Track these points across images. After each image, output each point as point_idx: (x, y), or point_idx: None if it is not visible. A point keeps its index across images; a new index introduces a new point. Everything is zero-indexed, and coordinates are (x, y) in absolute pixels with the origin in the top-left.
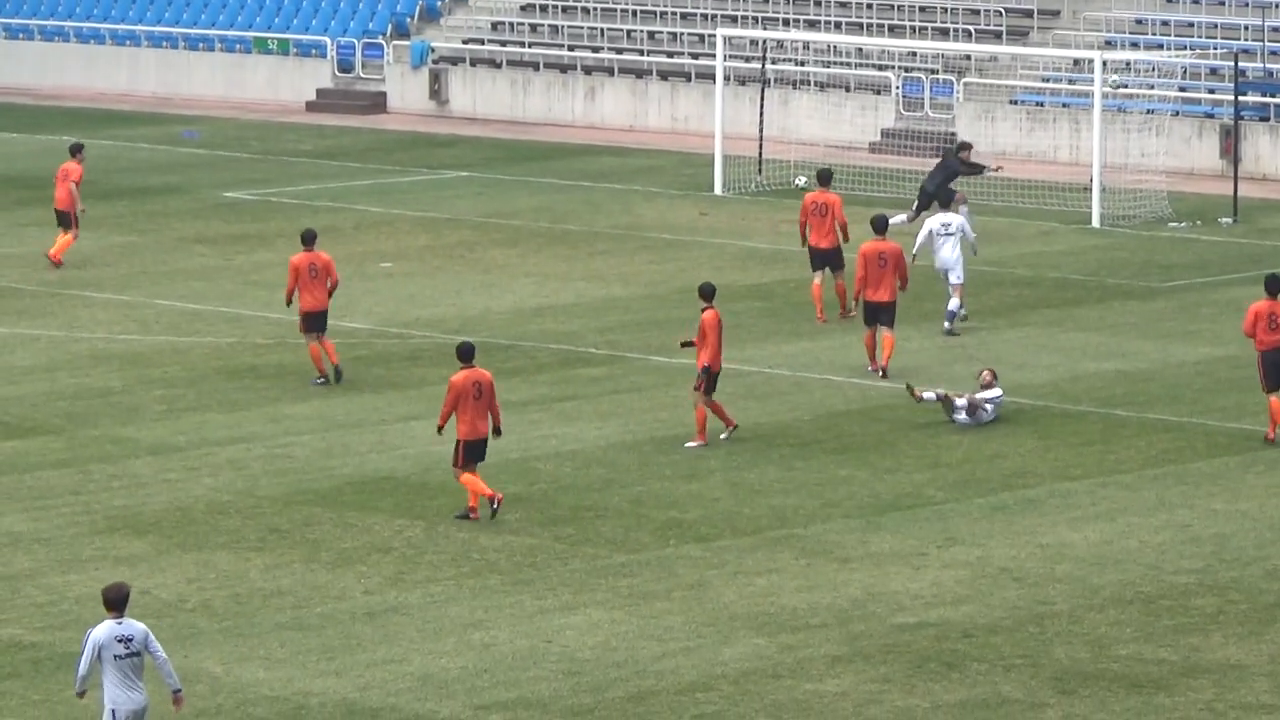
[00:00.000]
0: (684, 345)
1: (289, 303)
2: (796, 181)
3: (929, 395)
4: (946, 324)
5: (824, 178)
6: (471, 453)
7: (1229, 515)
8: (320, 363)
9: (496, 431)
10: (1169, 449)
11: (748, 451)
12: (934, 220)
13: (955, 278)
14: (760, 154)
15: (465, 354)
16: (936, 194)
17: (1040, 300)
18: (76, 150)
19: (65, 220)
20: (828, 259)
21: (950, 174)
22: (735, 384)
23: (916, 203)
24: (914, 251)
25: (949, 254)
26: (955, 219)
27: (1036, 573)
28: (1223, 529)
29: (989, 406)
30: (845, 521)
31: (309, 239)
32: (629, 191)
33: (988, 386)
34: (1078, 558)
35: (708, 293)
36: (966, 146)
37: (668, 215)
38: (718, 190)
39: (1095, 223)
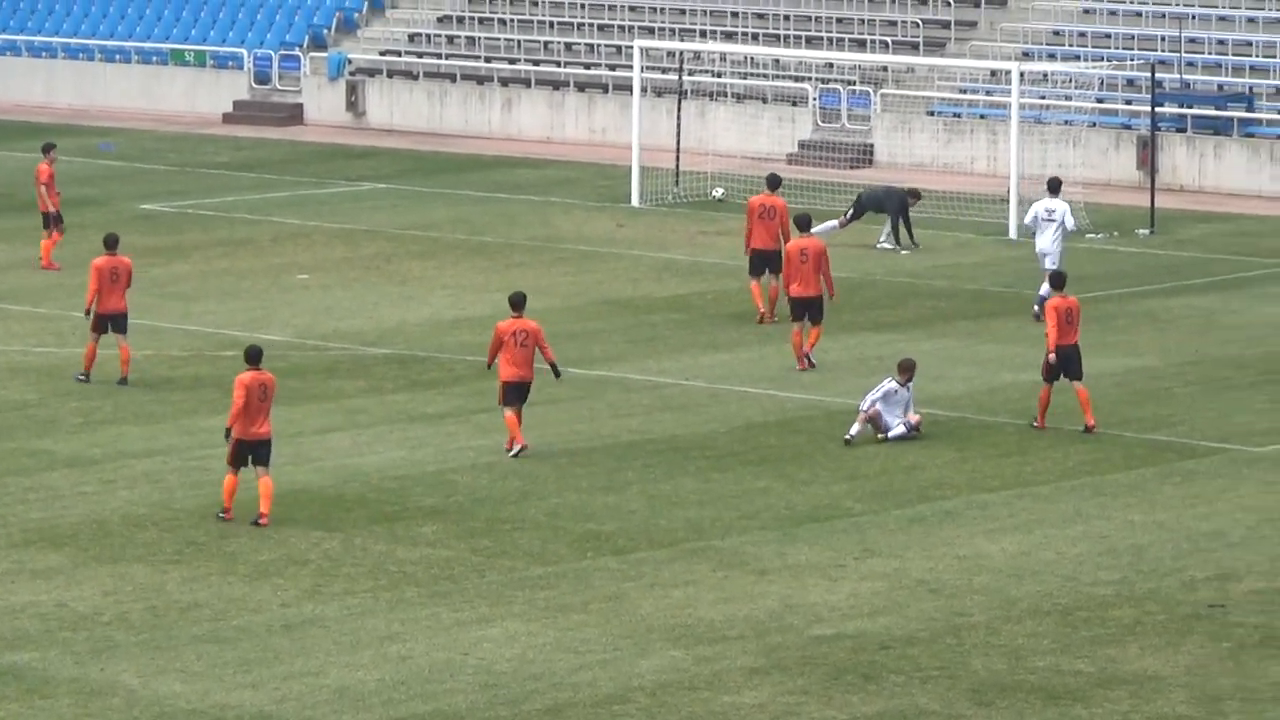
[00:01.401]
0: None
1: (89, 308)
2: (714, 193)
3: (855, 430)
4: (1036, 307)
5: (773, 182)
6: (247, 452)
7: (1146, 526)
8: (90, 362)
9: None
10: (1086, 460)
11: (664, 463)
12: (1039, 205)
13: (1050, 263)
14: (677, 166)
15: (253, 356)
16: (867, 209)
17: (957, 312)
18: (47, 150)
19: (46, 222)
20: (769, 262)
21: (890, 204)
22: (651, 396)
23: (850, 210)
24: (1024, 230)
25: (1048, 240)
26: (1060, 205)
27: (954, 584)
28: (1139, 540)
29: (892, 411)
30: (762, 533)
31: (111, 243)
32: (546, 203)
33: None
34: (995, 569)
35: (517, 302)
36: (916, 195)
37: (585, 227)
38: (635, 202)
39: (1012, 234)
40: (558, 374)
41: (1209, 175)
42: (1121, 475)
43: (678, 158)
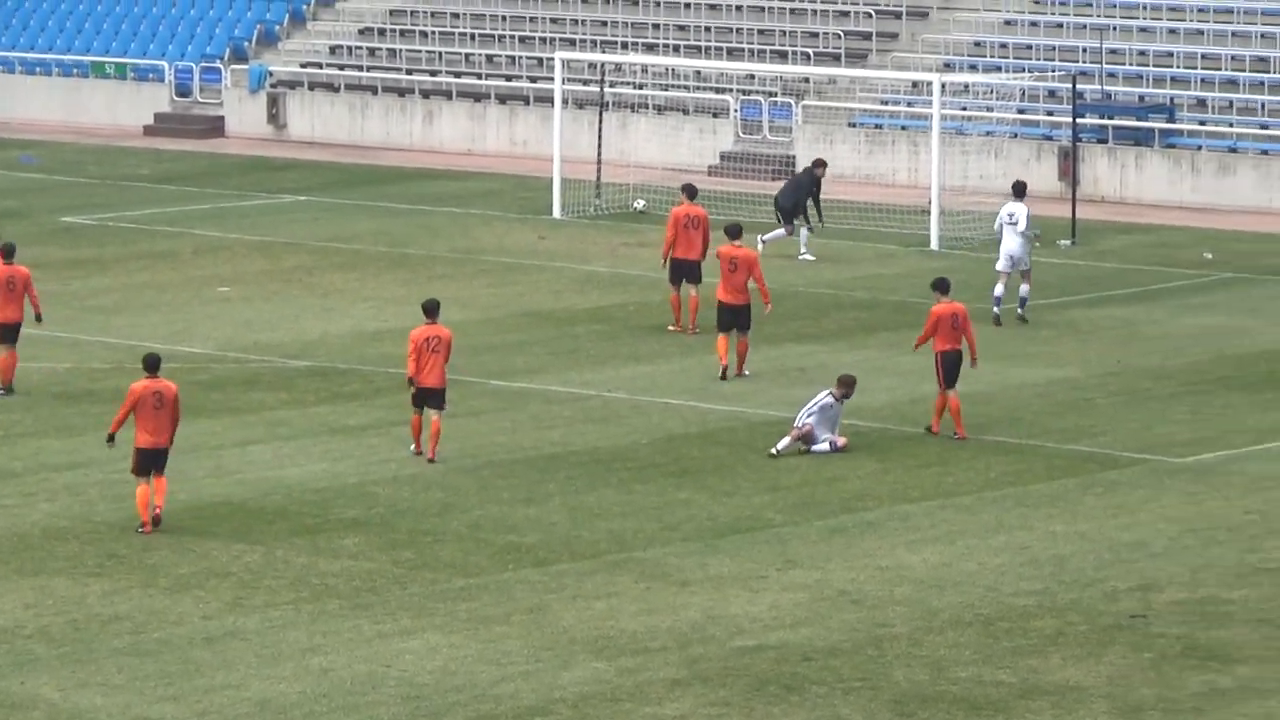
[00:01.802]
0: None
1: None
2: (635, 205)
3: (783, 444)
4: (1020, 309)
5: (690, 191)
6: (149, 461)
7: (1068, 537)
8: (8, 374)
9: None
10: (1008, 471)
11: (586, 475)
12: (1003, 209)
13: (1022, 265)
14: (598, 177)
15: (150, 365)
16: (795, 210)
17: (879, 323)
18: None
19: None
20: (688, 272)
21: (803, 191)
22: (573, 408)
23: (779, 217)
24: (997, 230)
25: (1014, 244)
26: (1021, 209)
27: (875, 595)
28: (1061, 550)
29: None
30: (684, 545)
31: (8, 252)
32: (467, 215)
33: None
34: (917, 580)
35: (430, 309)
36: (822, 164)
37: (506, 239)
38: (556, 214)
39: (934, 245)
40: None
41: (1130, 186)
42: (1044, 486)
43: (599, 169)
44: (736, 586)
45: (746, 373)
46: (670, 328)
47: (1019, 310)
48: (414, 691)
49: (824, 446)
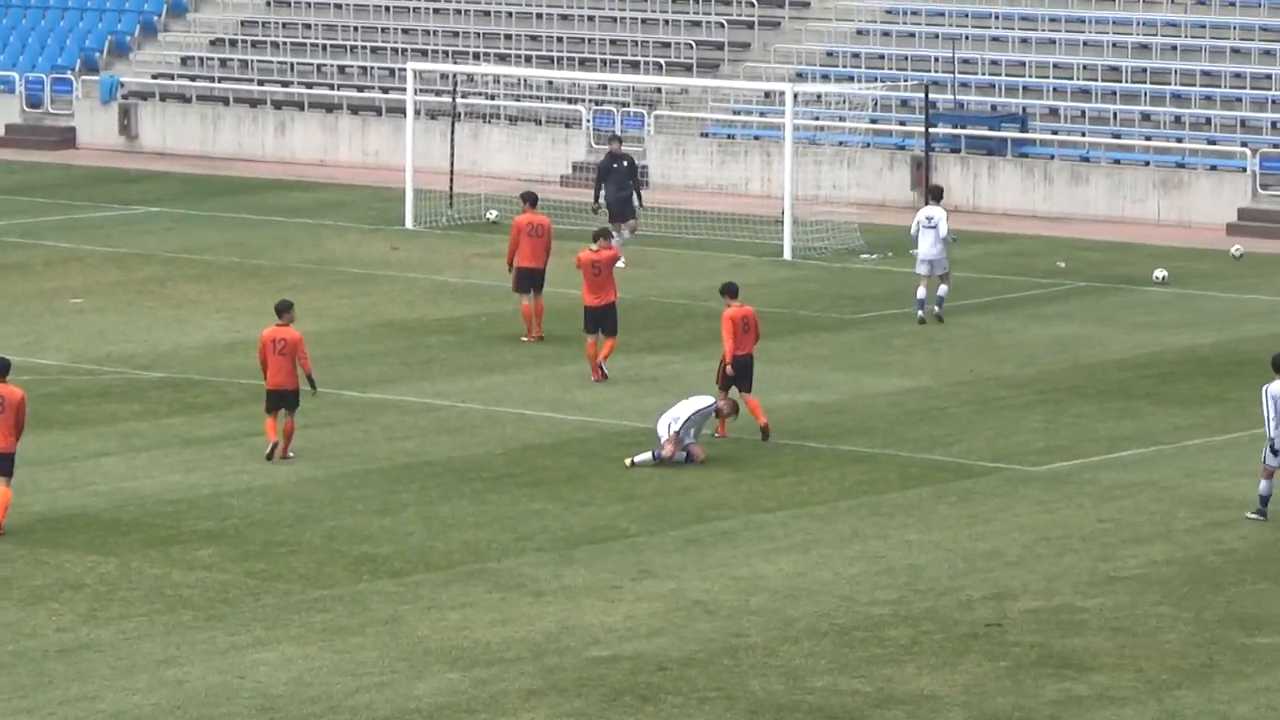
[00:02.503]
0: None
1: None
2: (488, 215)
3: (643, 458)
4: (937, 308)
5: (531, 199)
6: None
7: (922, 546)
8: None
9: None
10: (862, 480)
11: (440, 486)
12: (921, 213)
13: (939, 269)
14: (451, 188)
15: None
16: (625, 200)
17: None
18: None
19: None
20: (534, 280)
21: (620, 177)
22: (427, 419)
23: (608, 216)
24: (912, 239)
25: (929, 247)
26: (939, 213)
27: (731, 605)
28: (916, 560)
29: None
30: (539, 555)
31: None
32: (320, 226)
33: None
34: (772, 589)
35: (281, 309)
36: (617, 139)
37: (359, 250)
38: (409, 224)
39: (787, 255)
40: (313, 388)
41: (983, 195)
42: (898, 495)
43: (451, 180)
44: (591, 597)
45: (605, 373)
46: (524, 339)
47: (935, 309)
48: (268, 703)
49: (680, 455)
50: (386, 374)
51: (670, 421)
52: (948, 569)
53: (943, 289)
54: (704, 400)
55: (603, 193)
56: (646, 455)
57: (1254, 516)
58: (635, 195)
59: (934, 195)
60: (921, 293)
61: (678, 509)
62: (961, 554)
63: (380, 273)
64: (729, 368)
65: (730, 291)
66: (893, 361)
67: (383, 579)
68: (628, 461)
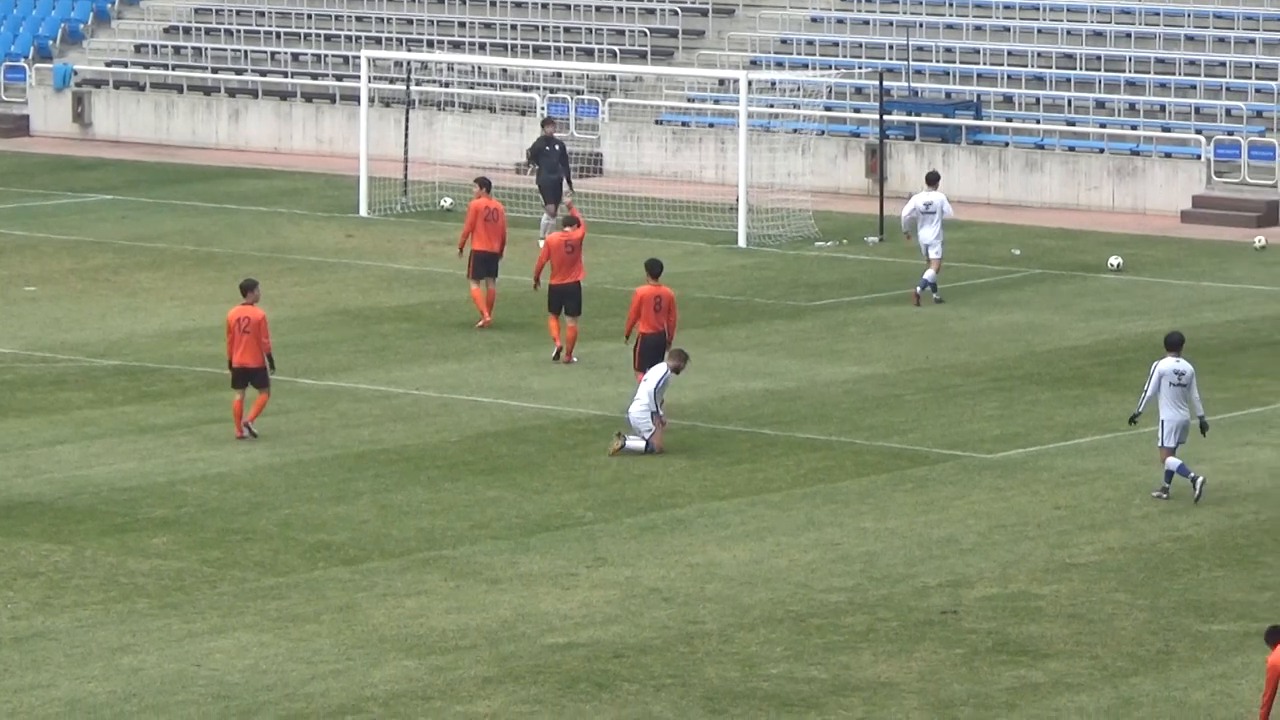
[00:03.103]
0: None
1: None
2: (442, 203)
3: (634, 444)
4: (919, 289)
5: (485, 184)
6: None
7: (878, 533)
8: None
9: None
10: (818, 468)
11: (395, 473)
12: (918, 198)
13: (935, 253)
14: (405, 176)
15: None
16: (556, 184)
17: (687, 320)
18: None
19: None
20: (489, 265)
21: (552, 160)
22: (382, 406)
23: (542, 199)
24: (904, 230)
25: (930, 233)
26: (937, 197)
27: (686, 592)
28: (872, 547)
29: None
30: (494, 543)
31: None
32: (274, 214)
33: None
34: (727, 577)
35: (245, 287)
36: (550, 121)
37: (313, 237)
38: (363, 212)
39: (742, 242)
40: (271, 367)
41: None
42: (853, 483)
43: (405, 168)
44: (547, 584)
45: (574, 359)
46: (479, 325)
47: (929, 290)
48: (224, 690)
49: (639, 444)
50: (341, 362)
51: (644, 408)
52: (904, 556)
53: (930, 273)
54: (657, 372)
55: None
56: (636, 443)
57: (1159, 494)
58: (565, 180)
59: (930, 180)
60: (930, 274)
61: (633, 496)
62: (917, 541)
63: (334, 260)
64: (627, 340)
65: (652, 269)
66: (848, 349)
67: (338, 566)
68: (616, 444)
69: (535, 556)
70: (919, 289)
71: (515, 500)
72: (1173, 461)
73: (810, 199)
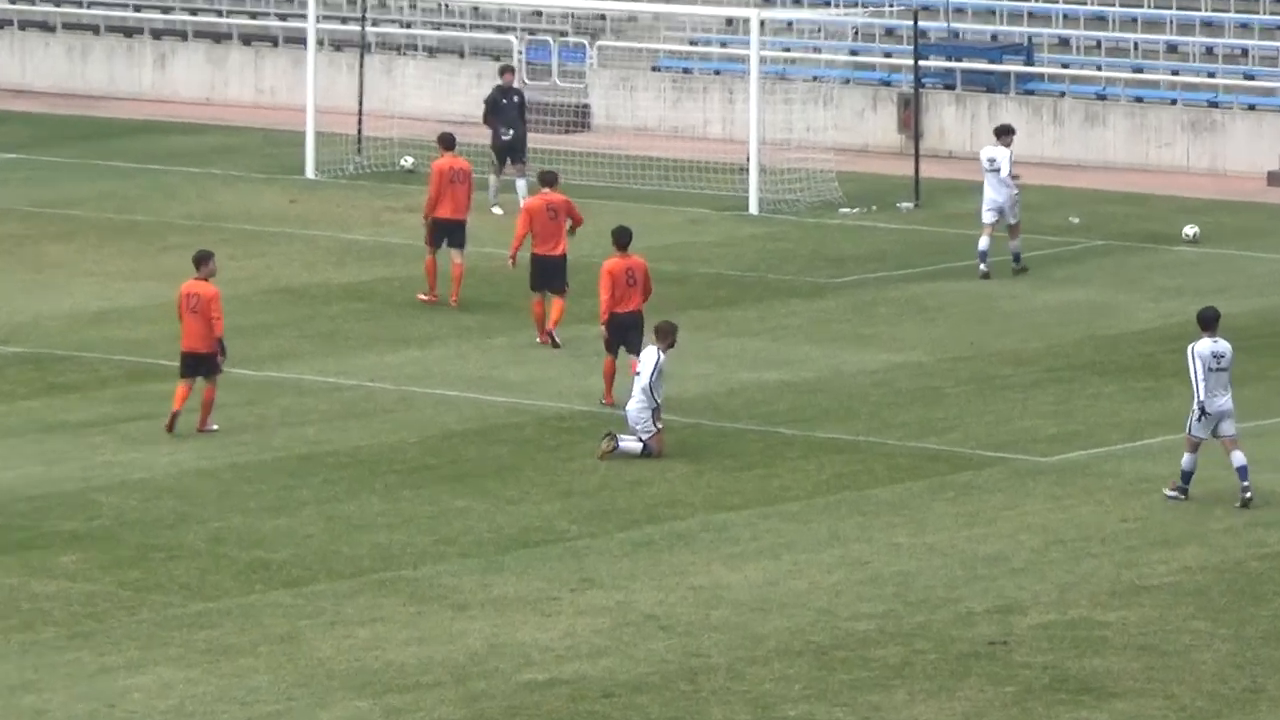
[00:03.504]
0: None
1: None
2: (403, 163)
3: (628, 445)
4: (1015, 263)
5: (447, 141)
6: None
7: (914, 550)
8: None
9: None
10: (843, 473)
11: (346, 480)
12: (983, 153)
13: (1012, 217)
14: (360, 131)
15: None
16: (517, 142)
17: (689, 300)
18: None
19: None
20: (452, 233)
21: (510, 114)
22: (331, 401)
23: (496, 160)
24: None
25: (997, 191)
26: (1002, 153)
27: (688, 620)
28: (907, 566)
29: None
30: (462, 561)
31: None
32: (206, 175)
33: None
34: (737, 602)
35: (198, 259)
36: (509, 69)
37: (251, 203)
38: (310, 173)
39: (753, 209)
40: (222, 354)
41: (982, 139)
42: (884, 490)
43: (360, 122)
44: (524, 610)
45: (557, 338)
46: (421, 296)
47: (1014, 265)
48: None
49: (635, 445)
50: (284, 348)
51: (643, 405)
52: (944, 577)
53: (1014, 244)
54: (649, 359)
55: (503, 130)
56: (631, 444)
57: (1173, 495)
58: (521, 138)
59: (999, 133)
60: (984, 243)
61: (626, 507)
62: (960, 559)
63: (276, 230)
64: (604, 328)
65: (620, 239)
66: (878, 333)
67: (278, 589)
68: (604, 446)
69: (510, 578)
70: (1015, 262)
71: (487, 511)
72: (1190, 460)
73: (834, 158)
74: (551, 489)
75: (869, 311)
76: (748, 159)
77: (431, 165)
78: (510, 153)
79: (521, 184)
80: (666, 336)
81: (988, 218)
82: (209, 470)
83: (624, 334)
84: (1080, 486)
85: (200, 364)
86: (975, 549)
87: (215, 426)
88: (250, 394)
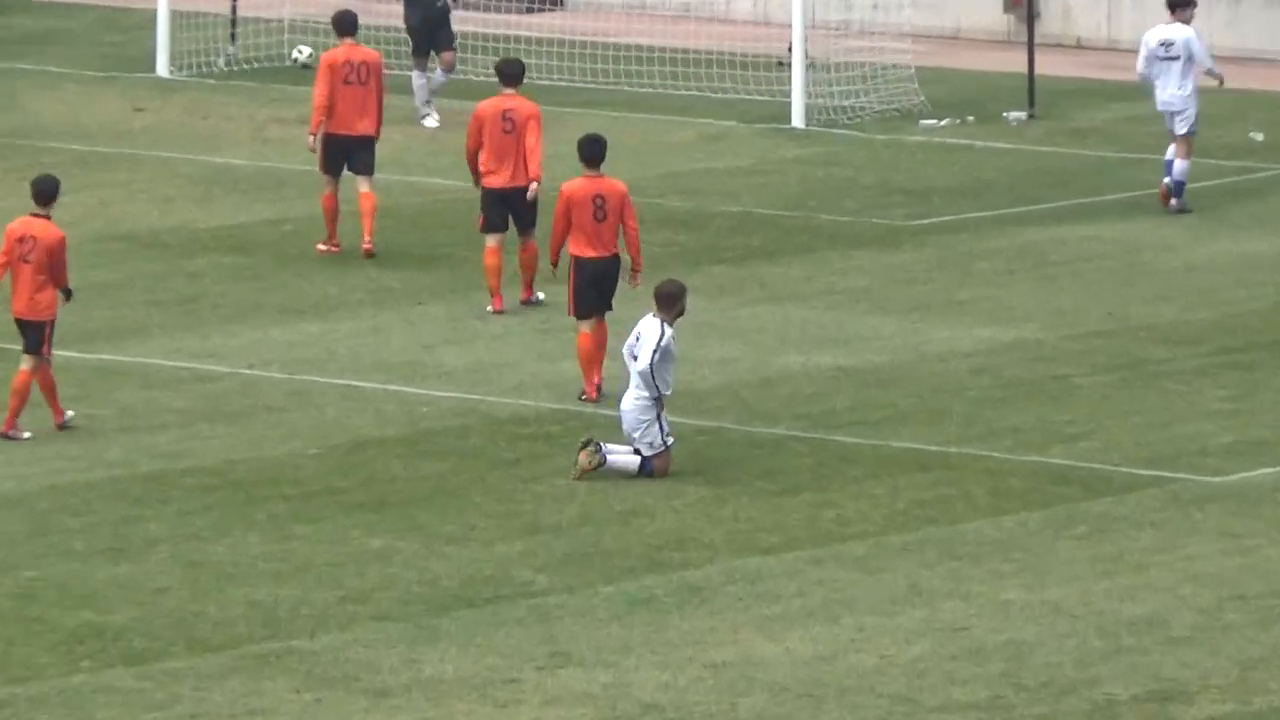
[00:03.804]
0: None
1: None
2: (295, 55)
3: (621, 460)
4: (1166, 181)
5: (348, 24)
6: None
7: (1030, 610)
8: None
9: None
10: (926, 499)
11: (214, 509)
12: (1151, 35)
13: (1181, 126)
14: (234, 12)
15: None
16: (438, 22)
17: (705, 251)
18: None
19: None
20: (351, 152)
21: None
22: (192, 395)
23: (412, 46)
24: (1143, 79)
25: (1173, 88)
26: (1180, 34)
27: (707, 712)
28: (1021, 634)
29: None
30: (381, 627)
31: None
32: (19, 72)
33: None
34: (777, 685)
35: (41, 193)
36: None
37: (82, 111)
38: (162, 70)
39: (798, 121)
40: (67, 297)
41: (1122, 23)
42: (987, 524)
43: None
44: (470, 697)
45: (540, 296)
46: (320, 246)
47: (1174, 201)
48: None
49: (630, 459)
50: (125, 319)
51: (644, 401)
52: (1074, 649)
53: (1180, 165)
54: (651, 335)
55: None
56: (624, 458)
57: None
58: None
59: (1172, 6)
60: (1171, 152)
61: (616, 548)
62: (1097, 623)
63: (115, 150)
64: (553, 269)
65: (588, 152)
66: (976, 298)
67: (116, 667)
68: (584, 461)
69: (450, 651)
70: (1167, 182)
71: (417, 554)
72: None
73: (911, 49)
74: (509, 523)
75: (964, 267)
76: (789, 49)
77: (321, 57)
78: (431, 37)
79: (440, 78)
80: (672, 303)
81: (1170, 122)
82: (16, 496)
83: (597, 290)
84: (1269, 519)
85: (29, 334)
86: (1118, 609)
87: (71, 413)
88: (77, 384)
